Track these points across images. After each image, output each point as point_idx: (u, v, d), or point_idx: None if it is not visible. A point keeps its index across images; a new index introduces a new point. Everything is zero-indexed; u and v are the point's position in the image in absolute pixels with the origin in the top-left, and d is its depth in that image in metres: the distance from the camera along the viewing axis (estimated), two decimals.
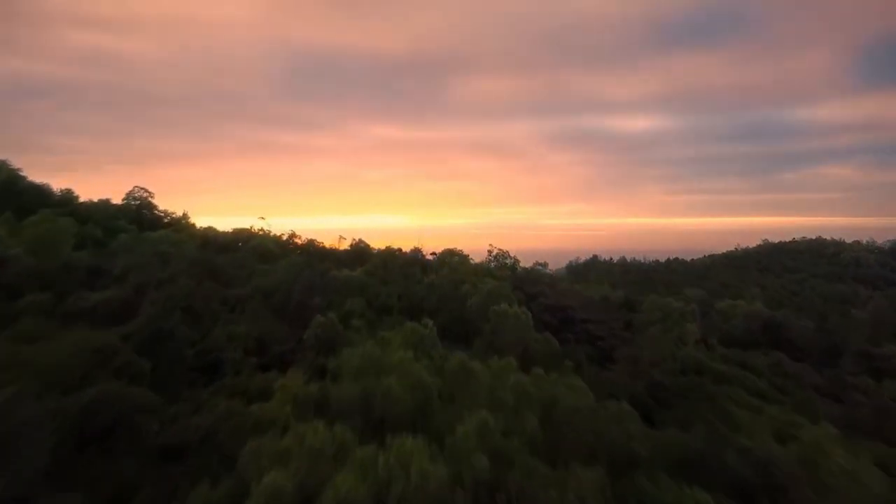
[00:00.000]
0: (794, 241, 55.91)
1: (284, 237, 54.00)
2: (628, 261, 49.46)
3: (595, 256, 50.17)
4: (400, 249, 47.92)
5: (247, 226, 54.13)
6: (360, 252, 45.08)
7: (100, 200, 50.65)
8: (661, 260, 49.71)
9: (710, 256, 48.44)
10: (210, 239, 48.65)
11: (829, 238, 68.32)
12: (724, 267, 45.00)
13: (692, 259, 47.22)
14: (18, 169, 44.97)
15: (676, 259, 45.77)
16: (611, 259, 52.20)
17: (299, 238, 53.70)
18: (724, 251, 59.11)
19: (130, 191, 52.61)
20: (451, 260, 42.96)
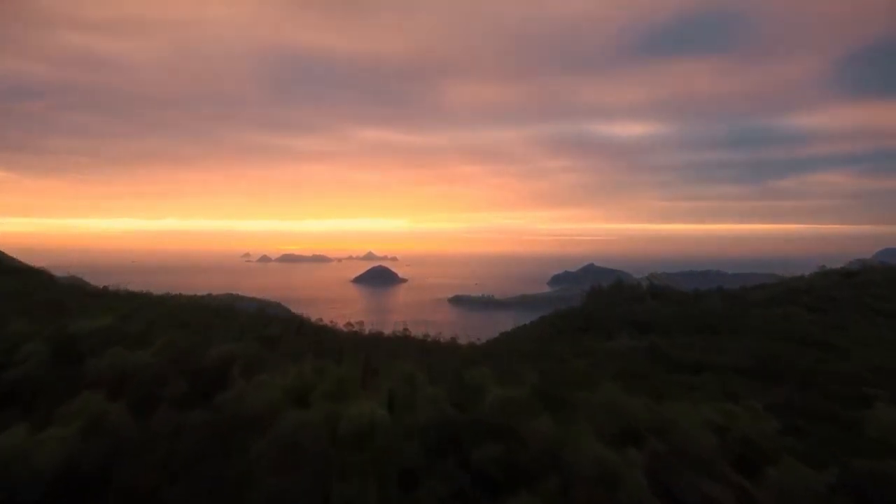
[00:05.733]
0: (859, 269, 46.43)
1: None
2: (659, 287, 40.71)
3: (620, 280, 40.75)
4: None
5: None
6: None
7: None
8: (700, 287, 39.74)
9: (764, 287, 39.51)
10: None
11: None
12: (789, 303, 36.01)
13: (740, 288, 38.74)
14: None
15: (723, 290, 36.17)
16: (638, 283, 43.21)
17: None
18: (779, 279, 51.09)
19: None
20: None
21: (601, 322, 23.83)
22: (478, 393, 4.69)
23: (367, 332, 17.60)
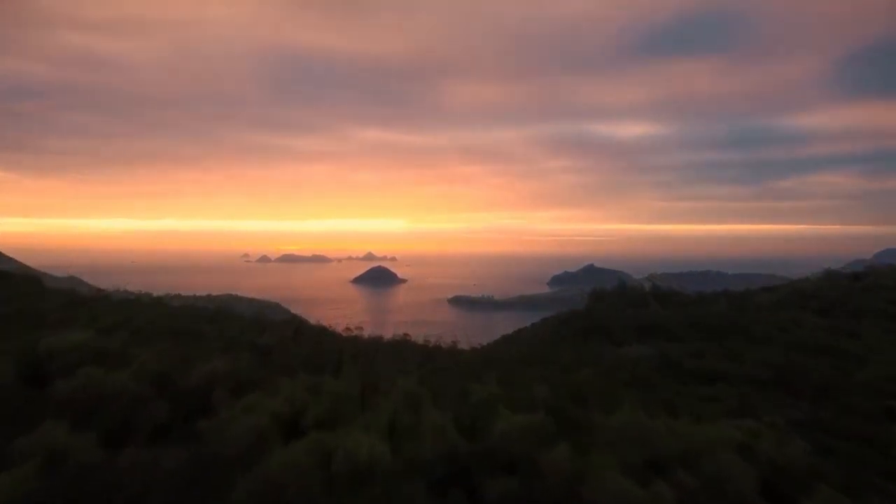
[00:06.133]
0: (869, 269, 44.72)
1: None
2: (662, 289, 39.37)
3: (622, 282, 39.75)
4: None
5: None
6: None
7: None
8: (700, 287, 38.92)
9: (769, 290, 38.59)
10: None
11: None
12: (797, 307, 34.66)
13: (745, 291, 37.76)
14: None
15: (728, 293, 35.01)
16: (640, 285, 42.22)
17: None
18: (780, 280, 50.00)
19: None
20: None
21: (605, 326, 23.33)
22: (487, 417, 4.26)
23: (366, 336, 17.09)
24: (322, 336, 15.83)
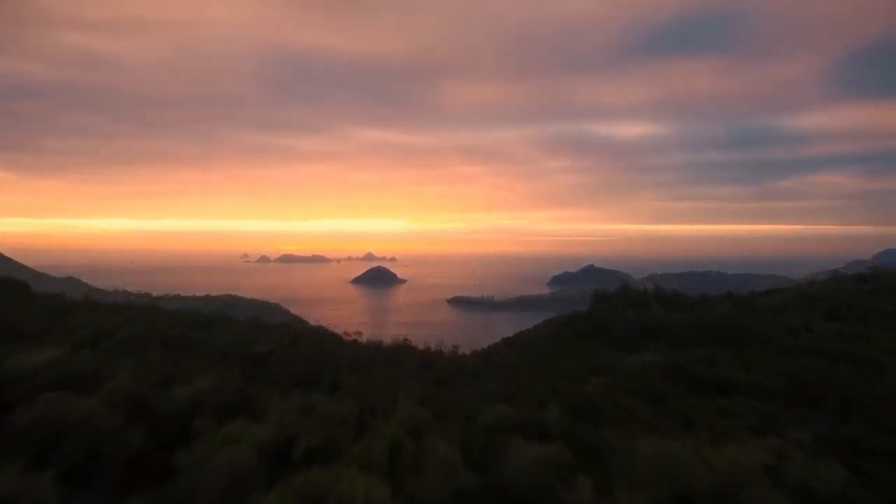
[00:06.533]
0: (874, 271, 42.87)
1: None
2: (665, 291, 38.41)
3: (625, 284, 38.77)
4: None
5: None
6: None
7: None
8: (700, 288, 38.16)
9: (775, 293, 37.51)
10: None
11: None
12: (804, 310, 33.15)
13: (750, 293, 36.76)
14: None
15: (732, 295, 34.04)
16: (644, 287, 41.27)
17: None
18: (780, 280, 49.12)
19: None
20: None
21: (608, 329, 22.91)
22: (498, 447, 3.82)
23: (365, 339, 16.59)
24: (321, 339, 15.37)
